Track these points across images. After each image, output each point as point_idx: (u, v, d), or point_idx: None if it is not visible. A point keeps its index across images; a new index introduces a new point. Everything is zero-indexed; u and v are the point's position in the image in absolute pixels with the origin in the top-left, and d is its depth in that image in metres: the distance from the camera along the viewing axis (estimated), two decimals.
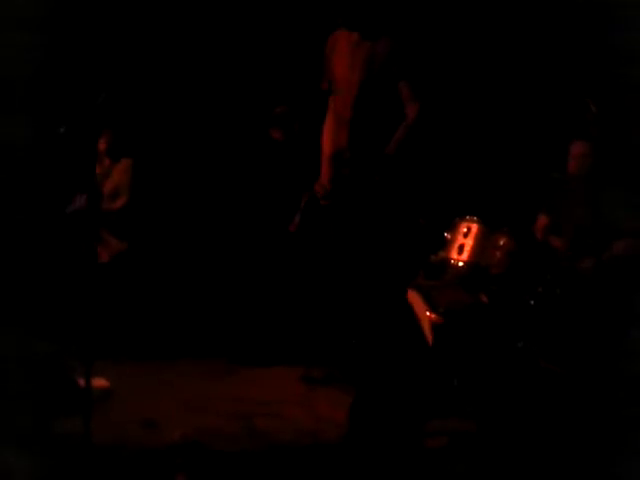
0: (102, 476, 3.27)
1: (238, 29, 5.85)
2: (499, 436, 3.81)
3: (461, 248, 4.50)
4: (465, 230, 4.53)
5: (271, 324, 5.41)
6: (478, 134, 5.29)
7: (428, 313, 4.31)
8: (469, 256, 4.48)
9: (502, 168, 5.32)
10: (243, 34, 5.88)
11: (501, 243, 4.51)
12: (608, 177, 4.70)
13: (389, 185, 3.68)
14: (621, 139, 4.82)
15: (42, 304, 4.66)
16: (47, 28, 4.70)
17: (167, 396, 4.32)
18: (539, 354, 4.23)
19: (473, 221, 4.54)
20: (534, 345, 4.24)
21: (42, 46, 4.69)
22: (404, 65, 3.62)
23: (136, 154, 5.58)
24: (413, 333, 4.21)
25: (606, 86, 4.93)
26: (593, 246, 4.55)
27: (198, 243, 5.85)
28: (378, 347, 3.74)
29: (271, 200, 5.59)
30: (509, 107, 5.40)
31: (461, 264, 4.45)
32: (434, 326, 4.27)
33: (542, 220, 4.81)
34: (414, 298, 4.39)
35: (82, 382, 3.41)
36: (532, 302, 4.35)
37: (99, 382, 4.03)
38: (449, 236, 4.54)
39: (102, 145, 5.42)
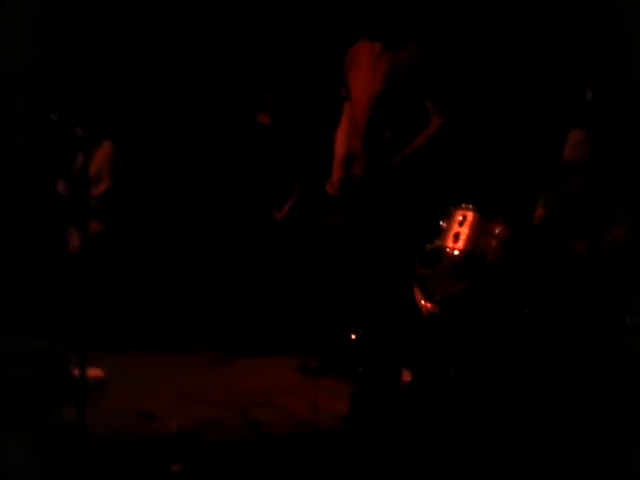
0: (98, 466, 3.26)
1: (230, 18, 5.83)
2: (497, 426, 3.81)
3: (457, 236, 4.48)
4: (460, 218, 4.51)
5: (267, 314, 5.40)
6: (474, 122, 5.27)
7: (423, 302, 4.31)
8: (465, 244, 4.46)
9: (497, 156, 5.32)
10: (234, 22, 5.86)
11: (497, 231, 4.50)
12: (604, 165, 4.69)
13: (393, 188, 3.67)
14: (617, 127, 4.81)
15: (34, 294, 4.64)
16: (46, 29, 4.70)
17: (163, 386, 4.32)
18: (535, 342, 4.23)
19: (468, 209, 4.53)
20: (529, 333, 4.24)
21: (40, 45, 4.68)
22: (430, 78, 3.59)
23: (122, 139, 5.54)
24: (415, 321, 4.20)
25: (603, 73, 4.93)
26: (589, 232, 4.55)
27: (193, 234, 5.84)
28: (382, 336, 3.72)
29: (260, 186, 5.58)
30: (506, 96, 5.39)
31: (457, 252, 4.43)
32: (430, 315, 4.27)
33: (539, 212, 4.82)
34: None
35: (77, 372, 3.39)
36: (527, 289, 4.35)
37: (94, 372, 4.02)
38: (444, 224, 4.52)
39: (80, 131, 5.37)
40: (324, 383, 4.40)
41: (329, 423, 3.78)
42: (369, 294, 3.78)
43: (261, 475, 3.25)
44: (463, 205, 4.56)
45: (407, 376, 4.16)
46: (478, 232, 4.50)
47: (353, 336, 4.59)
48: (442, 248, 4.49)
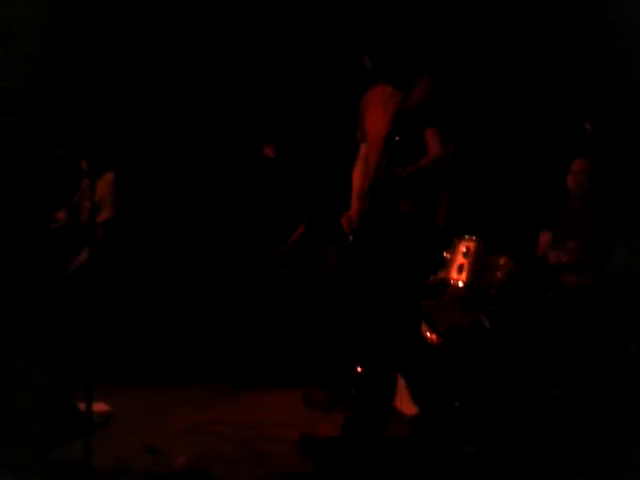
0: None
1: (236, 49, 5.90)
2: (501, 456, 3.79)
3: (461, 268, 4.49)
4: (464, 250, 4.53)
5: (272, 347, 5.40)
6: (477, 152, 5.31)
7: (428, 333, 4.31)
8: (469, 276, 4.47)
9: (500, 187, 5.34)
10: (241, 54, 5.92)
11: (501, 263, 4.52)
12: (606, 194, 4.71)
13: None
14: (618, 157, 4.84)
15: (39, 328, 4.64)
16: (47, 41, 4.73)
17: (168, 420, 4.31)
18: (539, 375, 4.22)
19: (472, 241, 4.55)
20: (534, 366, 4.23)
21: (42, 59, 4.71)
22: (435, 111, 3.64)
23: (126, 171, 5.59)
24: (420, 353, 4.20)
25: (604, 105, 4.96)
26: (592, 262, 4.56)
27: (197, 267, 5.86)
28: (385, 368, 3.74)
29: (264, 218, 5.61)
30: (507, 126, 5.43)
31: (461, 284, 4.44)
32: (434, 346, 4.27)
33: (545, 236, 4.83)
34: None
35: (83, 406, 3.39)
36: (532, 321, 4.35)
37: (100, 407, 4.02)
38: (448, 256, 4.54)
39: (84, 164, 5.43)
40: (330, 416, 4.40)
41: None
42: (374, 327, 3.80)
43: None
44: (467, 236, 4.58)
45: (412, 409, 4.16)
46: (482, 263, 4.52)
47: (359, 369, 4.58)
48: (446, 280, 4.50)
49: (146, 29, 5.71)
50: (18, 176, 4.50)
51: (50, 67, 4.82)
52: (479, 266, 4.51)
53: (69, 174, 5.16)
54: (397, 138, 3.61)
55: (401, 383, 4.15)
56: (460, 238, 4.58)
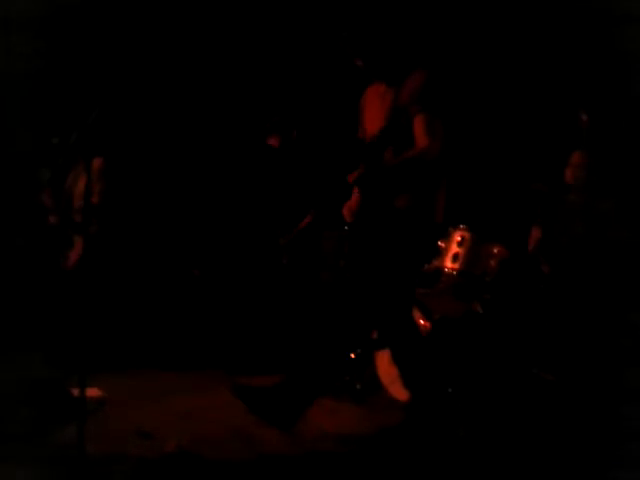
0: None
1: (239, 38, 5.88)
2: (494, 443, 3.81)
3: (455, 257, 4.51)
4: (459, 239, 4.54)
5: (267, 334, 5.41)
6: (472, 142, 5.31)
7: (422, 321, 4.33)
8: (463, 265, 4.49)
9: (496, 178, 5.35)
10: (243, 43, 5.91)
11: (495, 252, 4.53)
12: (603, 186, 4.72)
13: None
14: (615, 148, 4.84)
15: (34, 316, 4.66)
16: (46, 37, 4.74)
17: (162, 406, 4.32)
18: (533, 362, 4.24)
19: (467, 230, 4.56)
20: (527, 353, 4.25)
21: (41, 55, 4.71)
22: (424, 101, 3.65)
23: (125, 157, 5.57)
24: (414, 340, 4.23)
25: (601, 96, 4.96)
26: (587, 257, 4.57)
27: (196, 253, 5.86)
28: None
29: (267, 208, 5.62)
30: (503, 118, 5.43)
31: (455, 273, 4.46)
32: (428, 334, 4.30)
33: (535, 232, 4.84)
34: None
35: (76, 392, 3.41)
36: (526, 310, 4.37)
37: (93, 392, 4.03)
38: (443, 245, 4.55)
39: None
40: (323, 402, 4.42)
41: (327, 442, 3.80)
42: (369, 312, 3.82)
43: None
44: (462, 226, 4.59)
45: (404, 394, 4.19)
46: (477, 252, 4.53)
47: (352, 355, 4.60)
48: (441, 268, 4.52)
49: (145, 17, 5.70)
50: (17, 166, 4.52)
51: (49, 57, 4.83)
52: (474, 255, 4.52)
53: (64, 162, 5.15)
54: (378, 134, 3.64)
55: (393, 369, 4.18)
56: (455, 227, 4.60)
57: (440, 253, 4.56)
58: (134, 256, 5.58)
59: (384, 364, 4.41)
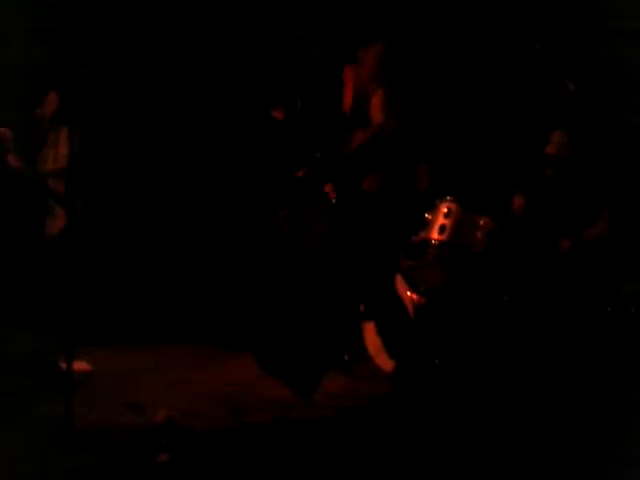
0: (84, 458, 3.28)
1: (239, 16, 5.83)
2: (481, 415, 3.84)
3: (442, 228, 4.52)
4: (446, 210, 4.55)
5: (258, 309, 5.42)
6: (457, 116, 5.30)
7: (409, 293, 4.35)
8: (450, 236, 4.50)
9: (480, 149, 5.34)
10: (245, 20, 5.85)
11: (481, 223, 4.54)
12: (586, 161, 4.72)
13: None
14: (600, 121, 4.84)
15: (18, 287, 4.64)
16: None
17: (150, 379, 4.34)
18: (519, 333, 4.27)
19: (454, 202, 4.56)
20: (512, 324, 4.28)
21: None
22: (382, 77, 3.63)
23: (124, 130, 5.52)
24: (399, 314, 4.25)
25: (586, 70, 4.95)
26: (571, 227, 4.58)
27: (186, 227, 5.83)
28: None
29: (271, 182, 5.58)
30: (488, 92, 5.41)
31: (442, 244, 4.47)
32: (415, 305, 4.31)
33: (518, 201, 4.84)
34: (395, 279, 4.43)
35: (64, 365, 3.42)
36: (511, 281, 4.39)
37: (81, 365, 4.04)
38: (430, 216, 4.56)
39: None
40: None
41: (314, 412, 3.83)
42: (357, 285, 3.84)
43: (246, 462, 3.28)
44: (448, 197, 4.59)
45: (389, 364, 4.21)
46: (463, 224, 4.54)
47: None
48: (428, 240, 4.52)
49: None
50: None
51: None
52: (460, 226, 4.53)
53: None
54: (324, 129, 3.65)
55: (379, 340, 4.21)
56: (441, 199, 4.60)
57: (427, 225, 4.56)
58: (121, 228, 5.56)
59: (370, 335, 4.43)
